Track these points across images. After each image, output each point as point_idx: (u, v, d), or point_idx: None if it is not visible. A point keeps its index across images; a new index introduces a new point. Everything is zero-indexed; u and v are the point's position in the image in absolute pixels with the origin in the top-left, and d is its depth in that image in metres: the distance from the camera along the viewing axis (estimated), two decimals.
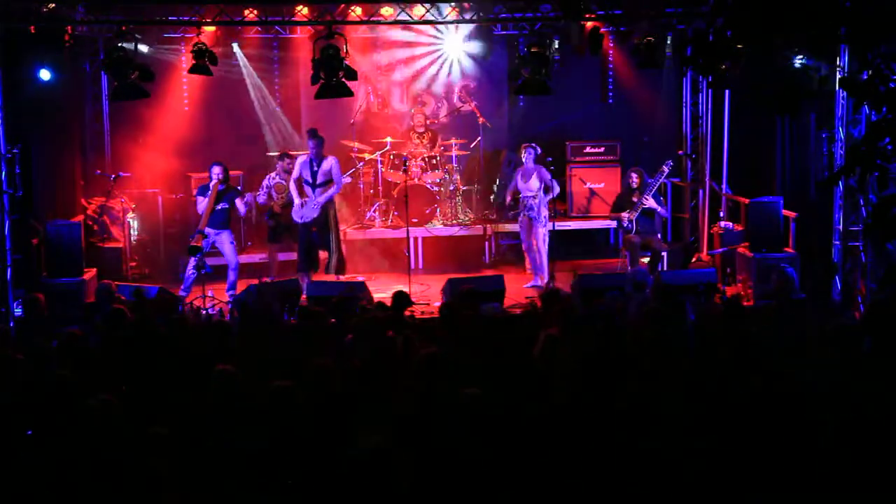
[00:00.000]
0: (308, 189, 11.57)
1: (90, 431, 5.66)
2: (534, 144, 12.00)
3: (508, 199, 12.07)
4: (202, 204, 11.28)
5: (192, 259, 11.03)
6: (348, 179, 12.99)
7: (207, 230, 11.24)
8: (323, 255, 11.89)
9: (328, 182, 11.57)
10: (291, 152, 12.79)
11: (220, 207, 11.29)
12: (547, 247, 11.79)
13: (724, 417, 5.64)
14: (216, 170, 11.26)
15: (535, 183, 11.78)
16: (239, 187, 12.40)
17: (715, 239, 12.75)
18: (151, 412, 6.12)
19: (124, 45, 10.36)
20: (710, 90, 13.27)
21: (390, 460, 4.95)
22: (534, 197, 11.77)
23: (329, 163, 11.59)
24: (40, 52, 10.81)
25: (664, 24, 11.91)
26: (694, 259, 12.93)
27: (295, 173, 11.69)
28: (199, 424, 5.93)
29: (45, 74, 10.86)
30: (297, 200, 11.59)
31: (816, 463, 5.10)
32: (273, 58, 14.43)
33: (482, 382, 6.14)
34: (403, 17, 11.49)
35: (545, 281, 11.54)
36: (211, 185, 11.21)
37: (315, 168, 11.54)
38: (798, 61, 6.79)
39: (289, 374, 6.55)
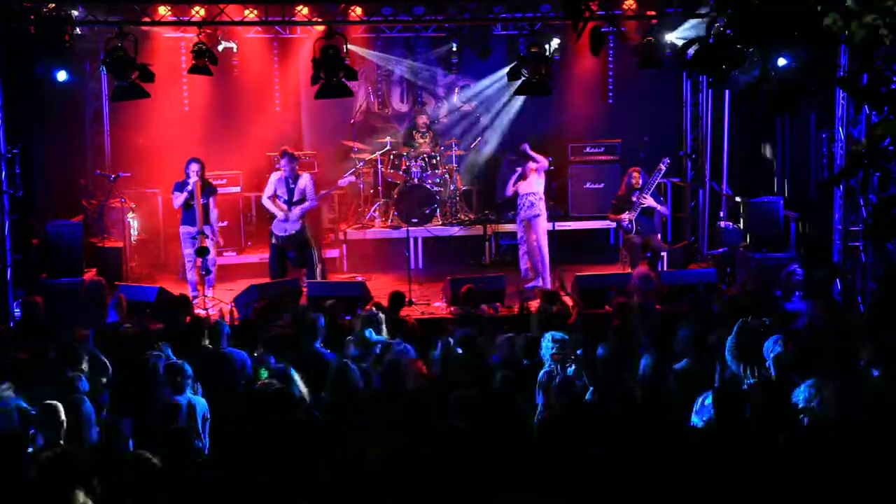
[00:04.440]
0: (284, 206, 11.53)
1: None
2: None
3: (510, 192, 11.99)
4: (179, 199, 11.24)
5: (199, 260, 11.06)
6: (340, 181, 12.88)
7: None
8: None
9: (303, 199, 11.57)
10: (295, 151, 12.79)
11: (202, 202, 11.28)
12: (547, 246, 11.75)
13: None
14: (194, 167, 11.20)
15: (535, 180, 11.74)
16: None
17: (715, 239, 12.75)
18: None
19: (124, 44, 10.34)
20: (710, 90, 13.28)
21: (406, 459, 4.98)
22: (535, 194, 11.75)
23: (304, 181, 11.60)
24: (40, 52, 10.80)
25: (664, 24, 11.90)
26: (694, 259, 12.93)
27: (269, 191, 11.62)
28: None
29: (61, 75, 10.82)
30: (279, 215, 11.54)
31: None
32: (273, 58, 14.43)
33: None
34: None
35: (547, 282, 11.52)
36: (191, 182, 11.16)
37: (291, 185, 11.53)
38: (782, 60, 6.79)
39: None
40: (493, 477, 5.14)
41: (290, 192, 11.54)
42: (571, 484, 5.07)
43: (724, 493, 5.11)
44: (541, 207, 11.75)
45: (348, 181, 12.97)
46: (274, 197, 11.59)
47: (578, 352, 7.03)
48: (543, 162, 11.77)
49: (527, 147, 11.85)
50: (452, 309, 10.49)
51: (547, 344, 7.21)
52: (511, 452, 5.51)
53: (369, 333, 7.60)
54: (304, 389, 6.55)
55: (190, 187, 11.13)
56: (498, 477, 5.15)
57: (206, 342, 7.84)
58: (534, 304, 9.93)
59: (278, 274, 11.53)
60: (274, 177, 11.73)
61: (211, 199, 11.38)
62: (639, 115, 14.52)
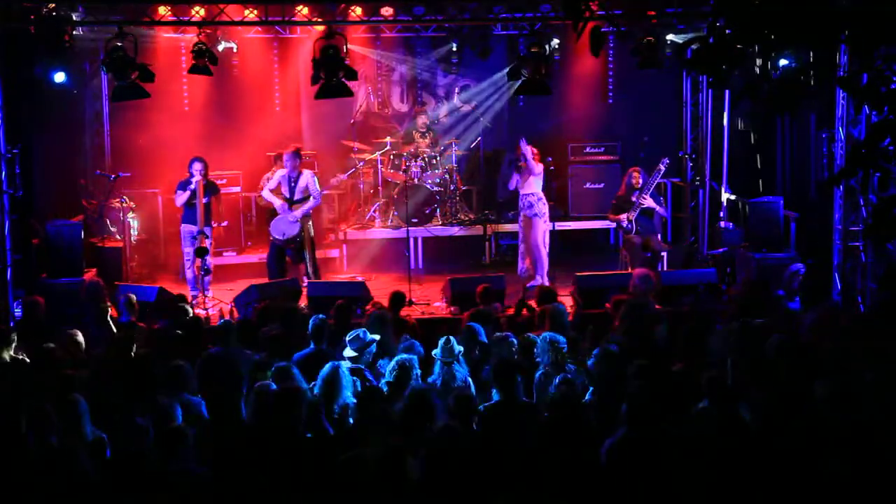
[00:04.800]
0: (284, 205, 11.51)
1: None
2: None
3: (512, 186, 11.98)
4: (181, 198, 11.24)
5: (199, 260, 11.05)
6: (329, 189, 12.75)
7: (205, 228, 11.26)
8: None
9: (305, 198, 11.55)
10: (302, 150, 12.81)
11: (203, 202, 11.27)
12: (548, 246, 11.77)
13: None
14: (197, 166, 11.19)
15: (534, 180, 11.74)
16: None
17: (715, 239, 12.75)
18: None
19: (124, 44, 10.34)
20: (710, 90, 13.28)
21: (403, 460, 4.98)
22: (534, 195, 11.76)
23: (305, 178, 11.56)
24: (40, 53, 10.81)
25: (664, 24, 11.91)
26: (694, 259, 12.92)
27: (272, 184, 11.60)
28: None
29: (59, 77, 10.82)
30: (277, 204, 11.49)
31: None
32: (273, 58, 14.43)
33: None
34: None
35: (546, 281, 11.54)
36: (194, 181, 11.14)
37: (293, 184, 11.51)
38: (783, 61, 6.84)
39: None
40: (492, 477, 5.14)
41: (292, 190, 11.52)
42: (571, 484, 5.07)
43: (725, 493, 5.12)
44: (540, 208, 11.75)
45: (339, 180, 12.95)
46: (277, 191, 11.58)
47: (590, 361, 6.98)
48: (534, 167, 11.67)
49: (523, 143, 11.78)
50: (453, 309, 10.49)
51: (543, 346, 7.20)
52: (511, 452, 5.51)
53: (364, 333, 7.54)
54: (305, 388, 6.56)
55: (193, 186, 11.12)
56: (498, 477, 5.15)
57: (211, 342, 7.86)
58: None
59: (276, 272, 11.53)
60: (278, 173, 11.71)
61: (213, 198, 11.40)
62: (639, 115, 14.54)
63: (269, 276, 11.48)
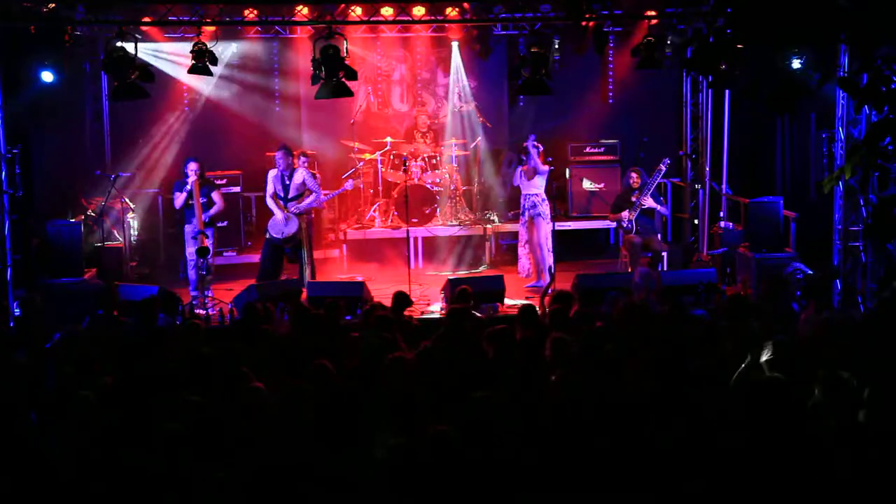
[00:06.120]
0: (282, 205, 11.46)
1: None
2: (535, 143, 11.96)
3: (517, 182, 11.99)
4: (179, 199, 11.21)
5: (199, 260, 11.03)
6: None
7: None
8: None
9: (300, 195, 11.52)
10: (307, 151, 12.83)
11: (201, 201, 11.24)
12: (551, 246, 11.77)
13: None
14: (192, 165, 11.15)
15: (539, 181, 11.77)
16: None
17: (715, 239, 12.75)
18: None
19: (124, 44, 10.34)
20: (710, 90, 13.28)
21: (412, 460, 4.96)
22: (538, 195, 11.78)
23: (300, 175, 11.50)
24: (40, 52, 10.81)
25: (664, 24, 11.92)
26: (694, 259, 12.93)
27: (270, 189, 11.49)
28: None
29: (47, 76, 10.84)
30: (279, 215, 11.42)
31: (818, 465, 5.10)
32: (273, 58, 14.44)
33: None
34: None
35: (548, 281, 11.53)
36: (189, 181, 11.13)
37: (287, 182, 11.45)
38: (796, 62, 6.84)
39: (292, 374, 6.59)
40: (507, 478, 5.12)
41: (286, 188, 11.47)
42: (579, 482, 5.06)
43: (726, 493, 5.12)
44: (544, 209, 11.77)
45: (353, 184, 12.94)
46: (275, 195, 11.55)
47: None
48: (540, 166, 11.73)
49: (531, 142, 11.79)
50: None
51: None
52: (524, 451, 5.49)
53: None
54: None
55: (188, 186, 11.11)
56: (512, 477, 5.13)
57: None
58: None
59: (271, 271, 11.48)
60: (270, 174, 11.63)
61: (213, 194, 11.37)
62: (639, 115, 14.55)
63: (261, 276, 11.35)
